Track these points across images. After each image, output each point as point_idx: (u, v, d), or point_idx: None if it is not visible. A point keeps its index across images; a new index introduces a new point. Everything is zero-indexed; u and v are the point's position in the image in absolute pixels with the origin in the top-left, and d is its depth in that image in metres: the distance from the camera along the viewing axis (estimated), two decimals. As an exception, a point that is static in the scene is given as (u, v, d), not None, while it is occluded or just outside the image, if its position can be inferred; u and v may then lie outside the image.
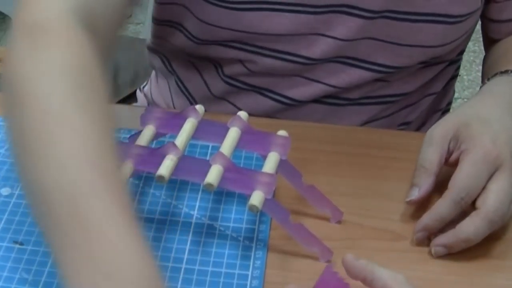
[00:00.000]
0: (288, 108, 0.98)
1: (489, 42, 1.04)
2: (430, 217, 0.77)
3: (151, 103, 1.12)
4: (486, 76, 0.94)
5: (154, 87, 1.12)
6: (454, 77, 1.09)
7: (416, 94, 1.02)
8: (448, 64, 1.03)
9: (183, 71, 1.03)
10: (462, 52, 1.06)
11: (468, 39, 1.02)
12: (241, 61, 0.95)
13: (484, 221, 0.75)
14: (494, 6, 0.98)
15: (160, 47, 1.05)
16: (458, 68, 1.09)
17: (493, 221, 0.75)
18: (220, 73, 0.98)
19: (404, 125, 1.04)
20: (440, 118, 1.10)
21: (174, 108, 1.06)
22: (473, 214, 0.75)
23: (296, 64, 0.93)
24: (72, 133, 0.60)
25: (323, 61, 0.93)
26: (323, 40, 0.91)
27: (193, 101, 1.02)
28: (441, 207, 0.77)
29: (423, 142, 0.81)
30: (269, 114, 0.98)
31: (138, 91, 1.19)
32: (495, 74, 0.90)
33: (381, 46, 0.93)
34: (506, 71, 0.89)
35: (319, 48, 0.92)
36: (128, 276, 0.54)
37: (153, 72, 1.12)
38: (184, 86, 1.04)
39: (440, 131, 0.81)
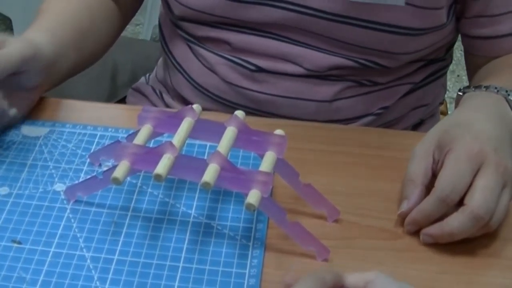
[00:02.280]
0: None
1: (471, 69, 1.06)
2: (417, 213, 0.78)
3: (156, 84, 1.15)
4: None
5: (159, 67, 1.16)
6: (440, 76, 1.11)
7: (388, 84, 1.03)
8: (425, 64, 1.05)
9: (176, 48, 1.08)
10: (445, 56, 1.08)
11: (443, 44, 1.04)
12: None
13: (467, 217, 0.75)
14: (466, 22, 1.00)
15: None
16: (444, 68, 1.11)
17: (477, 217, 0.75)
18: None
19: (382, 109, 1.05)
20: (428, 116, 1.12)
21: (172, 84, 1.09)
22: (460, 210, 0.76)
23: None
24: None
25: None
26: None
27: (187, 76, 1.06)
28: (427, 204, 0.77)
29: (411, 156, 0.81)
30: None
31: (143, 78, 1.21)
32: (467, 89, 0.92)
33: (348, 46, 0.96)
34: (478, 86, 0.91)
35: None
36: None
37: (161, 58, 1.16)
38: (178, 63, 1.08)
39: (421, 145, 0.82)
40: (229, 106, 1.04)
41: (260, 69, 1.00)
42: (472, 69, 1.05)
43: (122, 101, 1.25)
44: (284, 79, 1.00)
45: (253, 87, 1.01)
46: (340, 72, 1.00)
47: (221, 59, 1.02)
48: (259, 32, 0.99)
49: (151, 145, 0.85)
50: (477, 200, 0.75)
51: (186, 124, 0.78)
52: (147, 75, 1.20)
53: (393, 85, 1.04)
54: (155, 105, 1.14)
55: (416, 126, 1.13)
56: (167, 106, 1.11)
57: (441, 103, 1.19)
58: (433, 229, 0.77)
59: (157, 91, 1.14)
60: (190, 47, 1.05)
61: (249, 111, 1.02)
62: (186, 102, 1.08)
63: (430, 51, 1.02)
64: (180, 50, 1.07)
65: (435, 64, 1.07)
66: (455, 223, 0.76)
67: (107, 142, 0.88)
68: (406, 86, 1.05)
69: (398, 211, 0.80)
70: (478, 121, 0.82)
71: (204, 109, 1.02)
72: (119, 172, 0.73)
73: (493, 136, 0.80)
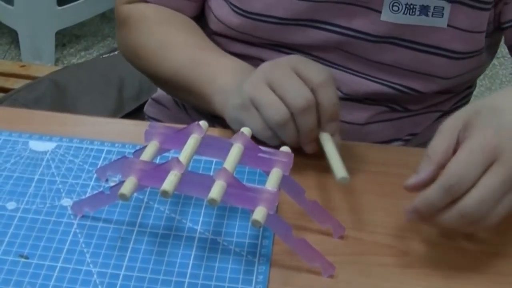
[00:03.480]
0: None
1: None
2: (419, 200, 0.74)
3: None
4: None
5: None
6: (466, 102, 1.11)
7: (419, 111, 1.03)
8: (456, 94, 1.06)
9: None
10: (470, 86, 1.09)
11: (477, 74, 1.04)
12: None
13: (456, 214, 0.73)
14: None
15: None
16: (470, 94, 1.11)
17: (466, 216, 0.72)
18: None
19: (411, 136, 1.05)
20: None
21: None
22: (451, 203, 0.73)
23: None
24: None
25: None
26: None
27: None
28: (430, 191, 0.73)
29: (437, 132, 0.78)
30: None
31: (150, 100, 1.20)
32: None
33: (389, 68, 0.96)
34: None
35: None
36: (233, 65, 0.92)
37: None
38: None
39: (450, 122, 0.77)
40: None
41: None
42: None
43: (129, 115, 1.26)
44: None
45: None
46: (376, 97, 1.00)
47: None
48: (299, 53, 0.98)
49: (157, 161, 0.85)
50: (473, 198, 0.72)
51: (192, 140, 0.78)
52: None
53: (424, 112, 1.04)
54: (176, 117, 1.14)
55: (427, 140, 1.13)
56: (191, 118, 1.10)
57: None
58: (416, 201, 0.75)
59: (180, 104, 1.13)
60: None
61: None
62: (216, 116, 1.07)
63: (463, 81, 1.02)
64: None
65: (464, 92, 1.08)
66: (435, 200, 0.73)
67: (114, 157, 0.89)
68: (436, 113, 1.06)
69: (405, 183, 0.77)
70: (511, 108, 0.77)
71: None
72: (126, 188, 0.73)
73: None
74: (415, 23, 0.92)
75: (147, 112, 1.19)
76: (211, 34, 1.04)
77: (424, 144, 1.06)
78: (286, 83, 0.82)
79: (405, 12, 0.92)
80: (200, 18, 1.07)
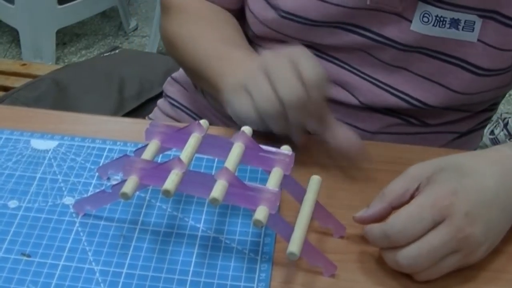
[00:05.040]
0: None
1: None
2: (365, 231, 0.76)
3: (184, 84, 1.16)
4: None
5: None
6: (483, 126, 1.11)
7: (436, 128, 1.03)
8: (474, 114, 1.05)
9: None
10: (493, 106, 1.08)
11: (499, 96, 1.04)
12: None
13: (393, 260, 0.74)
14: None
15: None
16: (489, 118, 1.11)
17: (402, 266, 0.73)
18: None
19: None
20: None
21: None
22: (387, 250, 0.74)
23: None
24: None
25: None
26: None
27: None
28: (374, 231, 0.75)
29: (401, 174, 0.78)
30: None
31: (170, 78, 1.21)
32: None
33: (413, 78, 0.96)
34: None
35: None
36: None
37: None
38: None
39: (416, 169, 0.78)
40: None
41: None
42: None
43: (130, 113, 1.26)
44: (336, 104, 1.00)
45: None
46: (392, 109, 1.00)
47: None
48: (323, 55, 0.99)
49: (159, 160, 0.85)
50: (410, 252, 0.72)
51: (193, 139, 0.78)
52: None
53: (440, 130, 1.04)
54: (193, 98, 1.14)
55: None
56: (209, 104, 1.10)
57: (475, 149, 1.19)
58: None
59: (199, 87, 1.13)
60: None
61: None
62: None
63: (484, 100, 1.01)
64: None
65: (483, 114, 1.08)
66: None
67: (116, 155, 0.89)
68: (452, 134, 1.05)
69: (354, 214, 0.78)
70: (480, 173, 0.76)
71: None
72: (128, 188, 0.73)
73: (482, 197, 0.74)
74: (444, 36, 0.92)
75: (165, 91, 1.20)
76: (251, 37, 1.04)
77: None
78: (282, 75, 0.82)
79: (435, 24, 0.91)
80: (242, 18, 1.07)
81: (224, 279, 0.75)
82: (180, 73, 1.18)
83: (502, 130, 2.18)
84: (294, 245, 0.72)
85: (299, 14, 0.95)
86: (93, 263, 0.76)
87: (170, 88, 1.19)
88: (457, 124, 1.05)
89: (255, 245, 0.79)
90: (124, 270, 0.75)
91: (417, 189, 0.76)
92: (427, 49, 0.94)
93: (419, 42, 0.93)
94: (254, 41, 1.04)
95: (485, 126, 1.12)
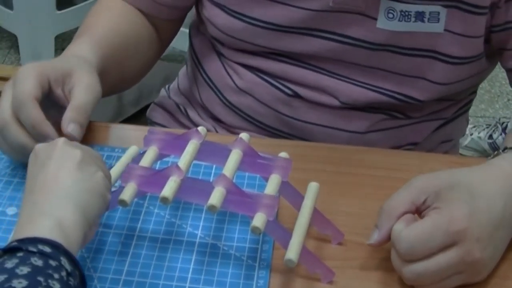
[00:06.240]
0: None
1: None
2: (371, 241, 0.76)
3: (177, 96, 1.16)
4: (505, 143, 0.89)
5: (182, 79, 1.16)
6: (467, 110, 1.12)
7: (420, 119, 1.04)
8: (457, 101, 1.06)
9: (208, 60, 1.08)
10: (473, 89, 1.09)
11: (477, 81, 1.04)
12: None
13: (397, 269, 0.74)
14: (507, 54, 0.98)
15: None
16: (470, 101, 1.12)
17: (410, 279, 0.74)
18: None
19: (412, 145, 1.05)
20: (450, 148, 1.11)
21: (202, 101, 1.09)
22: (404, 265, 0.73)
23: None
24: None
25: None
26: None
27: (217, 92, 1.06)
28: (379, 243, 0.75)
29: (403, 186, 0.77)
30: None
31: (163, 90, 1.21)
32: (505, 149, 0.84)
33: (391, 76, 0.97)
34: None
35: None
36: None
37: (183, 68, 1.17)
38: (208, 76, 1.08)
39: (421, 181, 0.76)
40: (260, 127, 1.04)
41: (296, 95, 1.00)
42: None
43: (128, 119, 1.26)
44: (319, 109, 1.00)
45: (288, 112, 1.01)
46: (375, 106, 1.00)
47: (258, 79, 1.02)
48: (298, 62, 0.99)
49: (157, 167, 0.85)
50: (416, 269, 0.72)
51: (191, 146, 0.79)
52: (167, 86, 1.20)
53: (426, 119, 1.04)
54: (178, 121, 1.14)
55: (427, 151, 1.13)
56: (194, 123, 1.11)
57: (462, 135, 1.20)
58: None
59: (181, 107, 1.14)
60: (223, 64, 1.05)
61: (280, 134, 1.02)
62: (216, 119, 1.08)
63: (464, 88, 1.02)
64: (213, 65, 1.07)
65: (464, 99, 1.08)
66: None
67: (114, 162, 0.89)
68: (437, 121, 1.06)
69: (368, 241, 0.77)
70: (490, 195, 0.75)
71: (236, 128, 1.04)
72: (126, 195, 0.74)
73: (491, 219, 0.74)
74: (411, 30, 0.92)
75: (150, 117, 1.20)
76: (216, 44, 1.04)
77: None
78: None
79: (401, 19, 0.92)
80: (199, 26, 1.08)
81: (222, 285, 0.75)
82: (162, 98, 1.19)
83: (501, 134, 2.18)
84: (292, 252, 0.72)
85: (266, 20, 0.96)
86: (92, 270, 0.76)
87: (154, 114, 1.20)
88: (441, 112, 1.06)
89: (253, 251, 0.79)
90: (123, 277, 0.75)
91: (424, 202, 0.75)
92: (397, 47, 0.94)
93: (388, 40, 0.94)
94: (217, 49, 1.05)
95: (469, 109, 1.13)
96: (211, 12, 1.00)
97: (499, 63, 1.03)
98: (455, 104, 1.07)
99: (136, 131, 0.96)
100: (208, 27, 1.03)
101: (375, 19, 0.93)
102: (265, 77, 1.01)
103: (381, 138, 1.03)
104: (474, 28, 0.93)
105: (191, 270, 0.76)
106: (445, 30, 0.93)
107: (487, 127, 2.22)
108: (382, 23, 0.92)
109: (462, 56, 0.95)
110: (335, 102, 1.00)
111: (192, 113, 1.12)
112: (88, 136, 0.94)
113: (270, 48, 0.98)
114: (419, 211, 0.75)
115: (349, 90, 0.99)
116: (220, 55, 1.05)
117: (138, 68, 1.07)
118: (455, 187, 0.74)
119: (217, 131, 1.06)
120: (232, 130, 1.06)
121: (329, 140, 1.01)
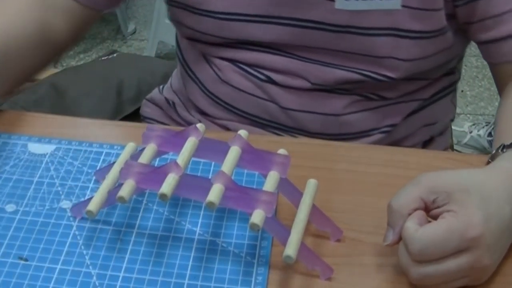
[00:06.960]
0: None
1: (497, 79, 1.03)
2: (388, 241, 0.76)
3: (171, 94, 1.17)
4: (496, 142, 0.89)
5: (175, 77, 1.18)
6: (449, 92, 1.11)
7: (396, 100, 1.04)
8: (433, 81, 1.06)
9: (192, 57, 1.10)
10: (452, 70, 1.09)
11: (452, 59, 1.04)
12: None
13: (404, 266, 0.74)
14: (473, 27, 0.98)
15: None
16: (452, 84, 1.11)
17: (417, 279, 0.73)
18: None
19: (391, 127, 1.06)
20: (438, 134, 1.11)
21: (187, 94, 1.11)
22: (412, 263, 0.73)
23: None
24: None
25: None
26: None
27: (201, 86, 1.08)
28: (395, 242, 0.75)
29: (410, 182, 0.76)
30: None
31: (145, 100, 1.23)
32: (501, 147, 0.84)
33: (357, 57, 0.97)
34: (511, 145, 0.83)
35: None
36: None
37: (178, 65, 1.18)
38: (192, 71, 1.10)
39: (431, 179, 0.75)
40: (240, 116, 1.05)
41: (270, 80, 1.02)
42: (500, 81, 1.02)
43: (128, 117, 1.26)
44: (293, 92, 1.02)
45: (265, 97, 1.03)
46: (347, 86, 1.01)
47: (234, 67, 1.03)
48: (267, 49, 1.01)
49: (156, 164, 0.85)
50: (425, 271, 0.72)
51: (190, 143, 0.79)
52: (161, 86, 1.23)
53: (402, 101, 1.04)
54: (168, 116, 1.17)
55: (426, 143, 1.13)
56: (180, 116, 1.14)
57: (452, 120, 1.19)
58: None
59: (170, 102, 1.16)
60: (204, 56, 1.07)
61: (260, 122, 1.04)
62: (200, 111, 1.10)
63: (435, 65, 1.02)
64: (195, 60, 1.09)
65: (443, 80, 1.08)
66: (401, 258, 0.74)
67: (113, 159, 0.89)
68: (415, 102, 1.06)
69: (384, 242, 0.76)
70: (501, 201, 0.74)
71: (219, 119, 1.05)
72: (124, 191, 0.74)
73: (500, 225, 0.73)
74: (369, 8, 0.93)
75: (142, 113, 1.22)
76: (188, 40, 1.07)
77: (406, 137, 1.07)
78: None
79: None
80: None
81: (221, 282, 0.75)
82: (153, 94, 1.22)
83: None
84: (291, 249, 0.72)
85: (232, 11, 0.98)
86: (91, 267, 0.76)
87: (146, 109, 1.22)
88: (417, 93, 1.05)
89: (252, 248, 0.79)
90: (121, 274, 0.75)
91: (434, 201, 0.74)
92: (358, 27, 0.95)
93: (348, 21, 0.94)
94: (190, 44, 1.07)
95: (452, 91, 1.12)
96: (178, 14, 1.03)
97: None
98: (431, 84, 1.06)
99: (135, 128, 0.96)
100: (178, 28, 1.07)
101: (333, 0, 0.93)
102: (240, 65, 1.03)
103: (357, 119, 1.03)
104: (432, 1, 0.93)
105: (190, 266, 0.77)
106: (402, 6, 0.93)
107: (486, 125, 2.22)
108: (341, 3, 0.93)
109: (423, 30, 0.95)
110: (307, 84, 1.01)
111: (180, 108, 1.15)
112: (87, 133, 0.94)
113: (238, 39, 1.00)
114: (428, 209, 0.75)
115: (318, 71, 1.00)
116: (200, 49, 1.07)
117: (20, 73, 1.02)
118: (467, 190, 0.73)
119: (200, 122, 1.08)
120: (217, 121, 1.08)
121: (305, 124, 1.02)
